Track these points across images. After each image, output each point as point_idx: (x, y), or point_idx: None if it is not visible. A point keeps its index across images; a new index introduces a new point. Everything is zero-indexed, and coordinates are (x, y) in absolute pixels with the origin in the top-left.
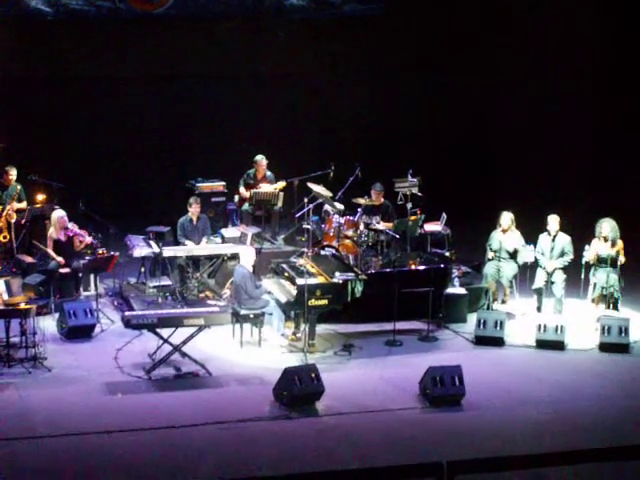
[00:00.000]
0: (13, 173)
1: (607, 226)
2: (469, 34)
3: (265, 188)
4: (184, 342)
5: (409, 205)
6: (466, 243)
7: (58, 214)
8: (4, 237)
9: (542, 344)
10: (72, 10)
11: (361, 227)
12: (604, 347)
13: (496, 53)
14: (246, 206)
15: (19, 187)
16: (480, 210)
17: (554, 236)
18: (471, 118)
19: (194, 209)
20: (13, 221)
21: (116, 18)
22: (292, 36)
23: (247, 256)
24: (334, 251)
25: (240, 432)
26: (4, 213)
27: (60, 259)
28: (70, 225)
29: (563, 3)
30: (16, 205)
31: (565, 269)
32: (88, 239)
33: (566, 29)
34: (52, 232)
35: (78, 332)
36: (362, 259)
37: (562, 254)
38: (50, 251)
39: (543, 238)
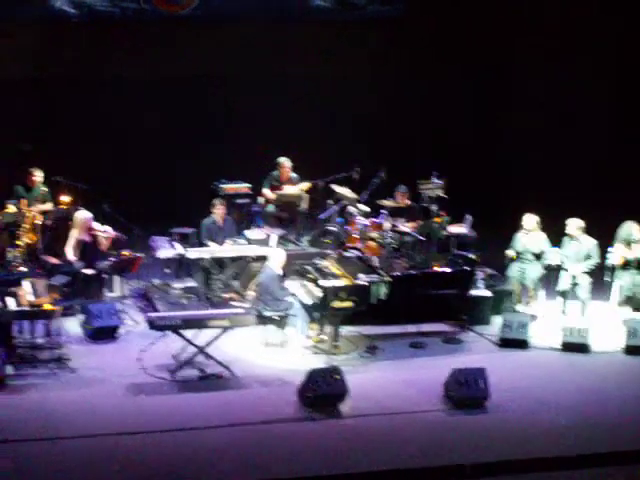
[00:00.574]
0: (38, 174)
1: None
2: (489, 34)
3: (289, 190)
4: (208, 344)
5: (434, 207)
6: (491, 245)
7: (83, 215)
8: (29, 238)
9: (567, 347)
10: (97, 11)
11: (385, 229)
12: (630, 350)
13: (517, 53)
14: (270, 208)
15: (44, 188)
16: (505, 212)
17: (578, 239)
18: (497, 118)
19: (219, 211)
20: (38, 222)
21: (141, 19)
22: (317, 37)
23: (277, 258)
24: (358, 253)
25: (264, 434)
26: (29, 215)
27: (73, 258)
28: (94, 225)
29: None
30: (41, 207)
31: (590, 272)
32: (113, 233)
33: (585, 27)
34: (76, 233)
35: (102, 333)
36: (386, 261)
37: (587, 257)
38: (70, 257)
39: (568, 241)
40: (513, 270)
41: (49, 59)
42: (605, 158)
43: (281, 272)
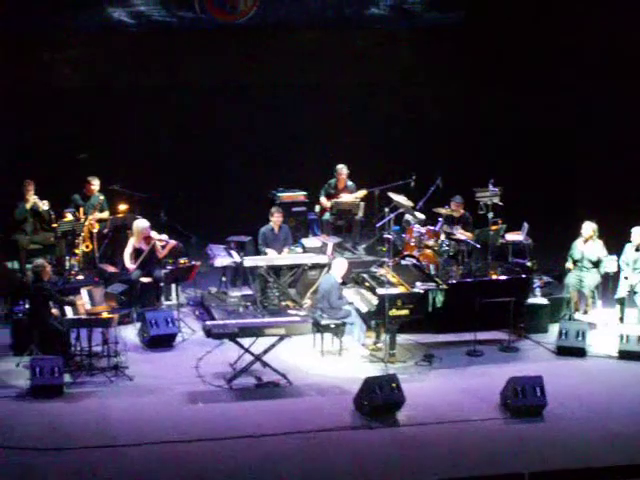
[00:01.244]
0: (95, 183)
1: None
2: (549, 41)
3: (346, 198)
4: (265, 351)
5: (490, 215)
6: (548, 253)
7: (141, 224)
8: (87, 247)
9: (625, 355)
10: (154, 21)
11: (442, 237)
12: None
13: (577, 60)
14: (327, 216)
15: (101, 197)
16: (562, 220)
17: (637, 247)
18: (552, 126)
19: (276, 218)
20: (95, 231)
21: (198, 28)
22: (373, 45)
23: (339, 267)
24: (415, 261)
25: (320, 442)
26: (86, 223)
27: (132, 266)
28: (152, 233)
29: None
30: (98, 215)
31: None
32: (172, 242)
33: None
34: (134, 241)
35: (159, 341)
36: (443, 269)
37: None
38: (128, 264)
39: (628, 248)
40: (570, 278)
41: (107, 68)
42: None
43: (341, 280)
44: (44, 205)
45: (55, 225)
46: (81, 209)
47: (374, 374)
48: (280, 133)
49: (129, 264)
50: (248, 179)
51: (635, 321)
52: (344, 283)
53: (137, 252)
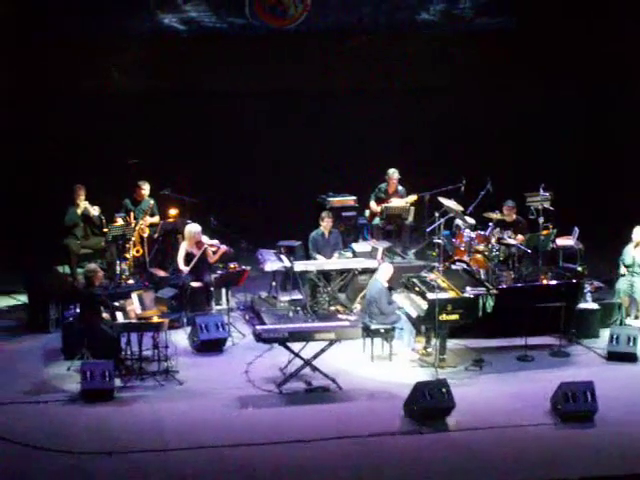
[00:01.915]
0: (146, 188)
1: None
2: (601, 46)
3: (396, 202)
4: (315, 356)
5: (541, 220)
6: (598, 258)
7: (193, 229)
8: (137, 251)
9: None
10: (205, 27)
11: (492, 242)
12: None
13: (626, 63)
14: (377, 220)
15: (152, 202)
16: (613, 225)
17: None
18: (602, 131)
19: (326, 223)
20: (146, 235)
21: (249, 34)
22: (423, 50)
23: (384, 272)
24: (465, 266)
25: (370, 447)
26: (137, 227)
27: (185, 269)
28: (203, 239)
29: None
30: (149, 220)
31: None
32: (223, 247)
33: None
34: (185, 245)
35: (209, 346)
36: (493, 274)
37: None
38: (181, 267)
39: None
40: (622, 283)
41: (158, 74)
42: None
43: (386, 285)
44: (95, 210)
45: (106, 230)
46: (131, 214)
47: (424, 379)
48: (330, 138)
49: (182, 267)
50: (298, 184)
51: None
52: (390, 288)
53: (188, 257)
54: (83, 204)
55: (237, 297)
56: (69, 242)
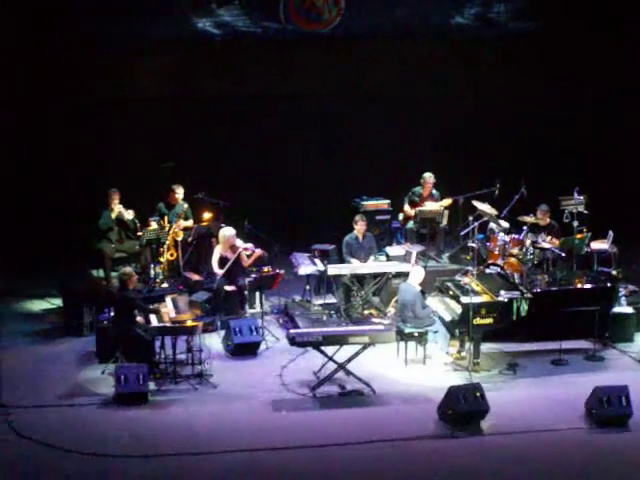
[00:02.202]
0: (180, 192)
1: None
2: (631, 49)
3: (430, 206)
4: (349, 360)
5: (575, 223)
6: (634, 261)
7: (228, 232)
8: (171, 255)
9: None
10: (239, 31)
11: (527, 245)
12: None
13: None
14: (411, 224)
15: (186, 205)
16: None
17: None
18: (635, 133)
19: (360, 227)
20: (180, 239)
21: (283, 38)
22: (457, 54)
23: (416, 275)
24: (499, 269)
25: (405, 450)
26: (171, 231)
27: (219, 271)
28: (238, 242)
29: None
30: (183, 223)
31: None
32: (258, 251)
33: None
34: (220, 249)
35: (243, 349)
36: (528, 277)
37: None
38: (216, 270)
39: None
40: None
41: (191, 77)
42: None
43: (419, 289)
44: (129, 214)
45: (140, 234)
46: (165, 217)
47: (458, 383)
48: (364, 141)
49: (217, 270)
50: (331, 187)
51: None
52: (422, 292)
53: (223, 260)
54: (117, 208)
55: (271, 300)
56: (103, 246)
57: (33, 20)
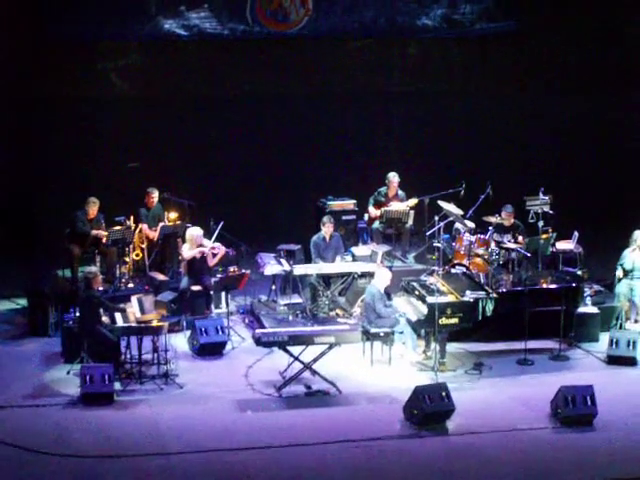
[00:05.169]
0: (155, 195)
1: None
2: (600, 49)
3: (396, 206)
4: (314, 360)
5: (540, 223)
6: (598, 262)
7: (195, 232)
8: (137, 255)
9: None
10: (206, 33)
11: (492, 245)
12: None
13: (623, 68)
14: (377, 224)
15: (162, 210)
16: (613, 229)
17: None
18: (602, 134)
19: (327, 228)
20: (144, 246)
21: (250, 39)
22: (423, 55)
23: (381, 277)
24: (465, 269)
25: (370, 450)
26: (136, 233)
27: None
28: (205, 242)
29: None
30: (151, 234)
31: None
32: (223, 249)
33: None
34: (186, 248)
35: (209, 349)
36: (493, 277)
37: None
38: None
39: None
40: (621, 287)
41: (158, 79)
42: None
43: (383, 290)
44: (103, 238)
45: (105, 234)
46: (132, 217)
47: (424, 383)
48: (330, 141)
49: (188, 253)
50: (297, 187)
51: None
52: (388, 293)
53: (189, 260)
54: (95, 232)
55: (237, 301)
56: (72, 248)
57: None
